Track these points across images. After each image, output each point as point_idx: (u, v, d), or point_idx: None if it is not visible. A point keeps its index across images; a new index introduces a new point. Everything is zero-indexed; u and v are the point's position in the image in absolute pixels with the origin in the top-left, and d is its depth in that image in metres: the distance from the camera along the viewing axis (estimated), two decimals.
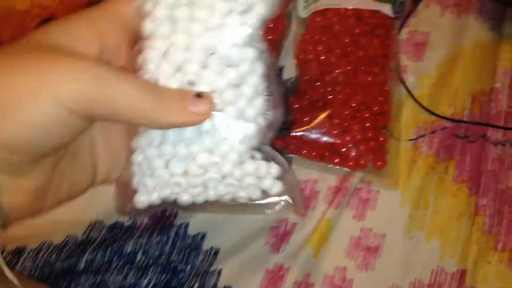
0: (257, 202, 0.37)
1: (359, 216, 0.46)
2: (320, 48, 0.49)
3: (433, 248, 0.45)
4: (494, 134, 0.48)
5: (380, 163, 0.46)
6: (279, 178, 0.36)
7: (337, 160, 0.46)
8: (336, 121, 0.46)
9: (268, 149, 0.37)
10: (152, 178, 0.34)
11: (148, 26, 0.31)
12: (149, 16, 0.32)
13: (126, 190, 0.36)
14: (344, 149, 0.46)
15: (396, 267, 0.44)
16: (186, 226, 0.46)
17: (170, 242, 0.45)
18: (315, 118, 0.47)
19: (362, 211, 0.46)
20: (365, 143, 0.46)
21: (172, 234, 0.46)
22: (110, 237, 0.46)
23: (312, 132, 0.47)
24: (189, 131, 0.32)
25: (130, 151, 0.35)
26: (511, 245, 0.45)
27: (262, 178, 0.35)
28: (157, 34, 0.31)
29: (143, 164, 0.34)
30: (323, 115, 0.47)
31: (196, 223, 0.46)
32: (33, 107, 0.26)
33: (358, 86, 0.47)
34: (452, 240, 0.45)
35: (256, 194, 0.36)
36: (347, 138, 0.46)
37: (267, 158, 0.36)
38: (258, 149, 0.35)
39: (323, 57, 0.49)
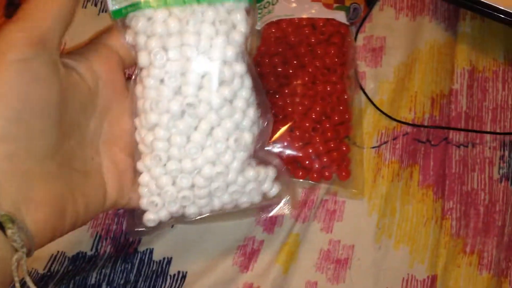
0: (257, 205, 0.40)
1: (327, 228, 0.46)
2: (277, 60, 0.48)
3: (402, 255, 0.44)
4: (455, 136, 0.48)
5: (344, 173, 0.46)
6: (275, 179, 0.40)
7: (301, 173, 0.46)
8: (297, 134, 0.46)
9: (262, 153, 0.40)
10: (160, 196, 0.37)
11: (143, 58, 0.34)
12: (143, 49, 0.34)
13: (135, 212, 0.39)
14: (307, 162, 0.46)
15: (367, 277, 0.44)
16: (151, 252, 0.45)
17: (135, 270, 0.44)
18: (276, 132, 0.46)
19: (329, 223, 0.46)
20: (328, 154, 0.46)
21: (137, 261, 0.44)
22: (72, 269, 0.44)
23: (274, 146, 0.46)
24: (192, 147, 0.35)
25: (136, 174, 0.37)
26: (479, 247, 0.45)
27: (262, 182, 0.39)
28: (153, 64, 0.34)
29: (150, 184, 0.37)
30: (283, 129, 0.46)
31: (161, 248, 0.45)
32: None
33: (317, 96, 0.46)
34: (420, 246, 0.45)
35: (257, 198, 0.39)
36: (310, 150, 0.45)
37: (263, 162, 0.39)
38: (253, 155, 0.38)
39: (280, 69, 0.48)
